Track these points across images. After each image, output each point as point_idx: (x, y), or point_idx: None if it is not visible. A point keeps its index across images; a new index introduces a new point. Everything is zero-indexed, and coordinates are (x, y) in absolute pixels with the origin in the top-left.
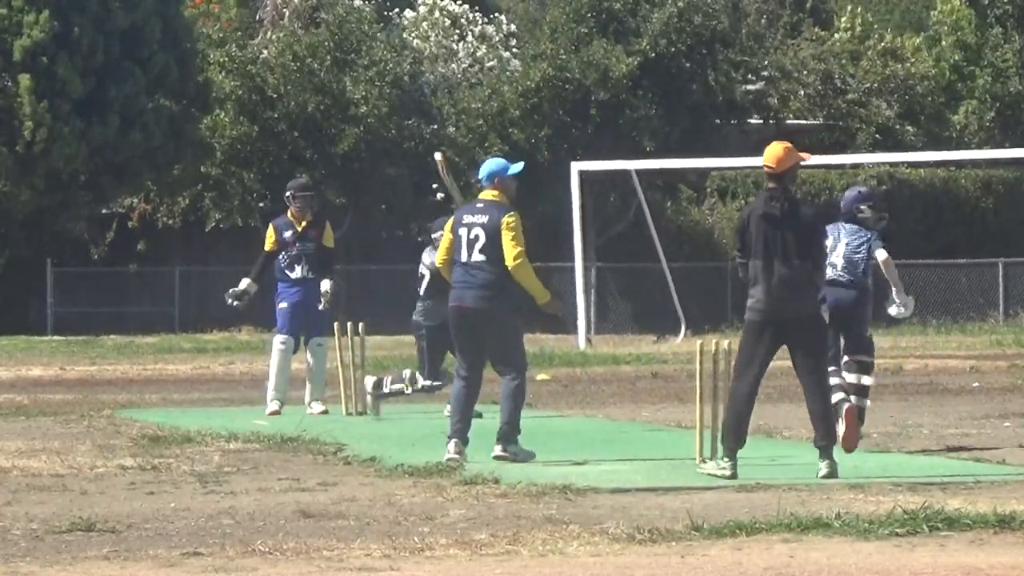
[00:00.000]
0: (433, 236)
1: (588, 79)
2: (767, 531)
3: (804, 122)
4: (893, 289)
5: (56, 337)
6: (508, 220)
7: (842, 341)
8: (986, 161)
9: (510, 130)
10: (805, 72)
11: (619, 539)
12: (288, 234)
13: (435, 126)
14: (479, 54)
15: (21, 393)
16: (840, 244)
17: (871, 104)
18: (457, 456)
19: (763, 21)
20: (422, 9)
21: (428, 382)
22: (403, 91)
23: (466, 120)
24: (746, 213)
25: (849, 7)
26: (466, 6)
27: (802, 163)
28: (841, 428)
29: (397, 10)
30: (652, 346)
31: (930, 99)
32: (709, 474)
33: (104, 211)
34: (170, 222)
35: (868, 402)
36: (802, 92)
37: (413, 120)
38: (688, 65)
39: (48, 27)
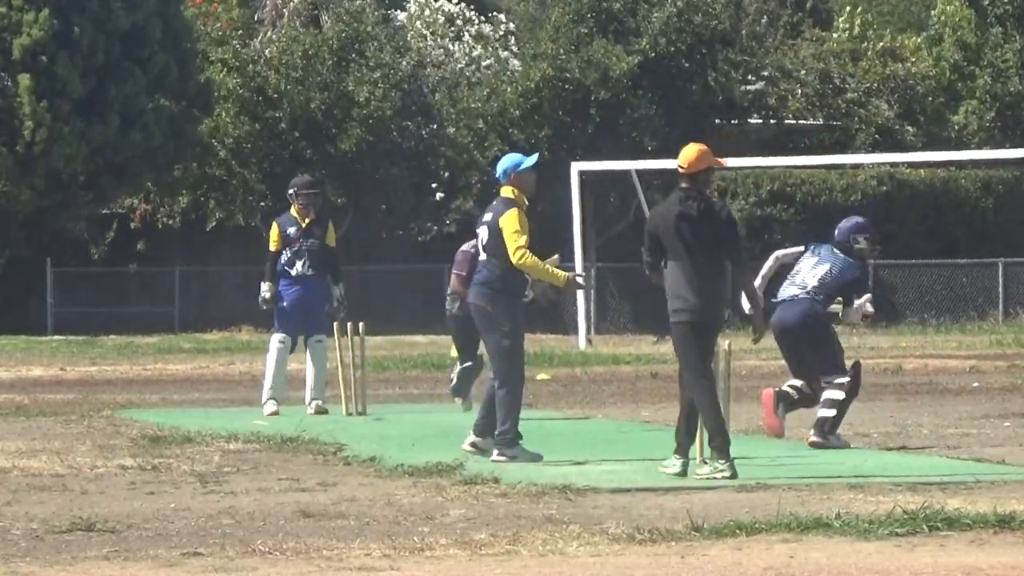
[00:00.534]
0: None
1: (588, 79)
2: (767, 531)
3: (804, 122)
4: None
5: (56, 337)
6: (507, 216)
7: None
8: (986, 161)
9: (510, 130)
10: (804, 72)
11: (619, 539)
12: (292, 230)
13: (435, 126)
14: (475, 54)
15: (21, 393)
16: (821, 267)
17: (871, 104)
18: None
19: (763, 21)
20: (413, 8)
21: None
22: (404, 91)
23: (466, 120)
24: (656, 214)
25: (848, 7)
26: (462, 5)
27: (717, 167)
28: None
29: (396, 10)
30: (652, 346)
31: (930, 99)
32: (708, 477)
33: (104, 211)
34: (170, 222)
35: (833, 412)
36: (801, 92)
37: (414, 121)
38: (688, 65)
39: (48, 26)
